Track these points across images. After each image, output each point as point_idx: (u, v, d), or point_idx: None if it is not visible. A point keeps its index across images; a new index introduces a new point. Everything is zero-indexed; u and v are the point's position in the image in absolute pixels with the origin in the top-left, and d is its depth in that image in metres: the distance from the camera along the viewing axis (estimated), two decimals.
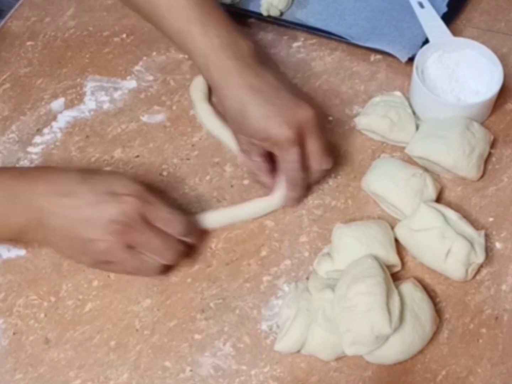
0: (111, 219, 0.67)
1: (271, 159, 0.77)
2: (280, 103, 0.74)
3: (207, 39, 0.76)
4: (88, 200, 0.68)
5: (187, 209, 0.79)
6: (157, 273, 0.73)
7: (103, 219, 0.67)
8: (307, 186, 0.78)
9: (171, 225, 0.70)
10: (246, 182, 0.81)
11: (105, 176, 0.71)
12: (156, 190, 0.80)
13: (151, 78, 0.90)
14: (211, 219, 0.77)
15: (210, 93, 0.87)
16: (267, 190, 0.78)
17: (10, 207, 0.68)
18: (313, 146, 0.74)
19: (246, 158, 0.78)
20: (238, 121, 0.75)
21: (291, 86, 0.84)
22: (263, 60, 0.79)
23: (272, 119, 0.73)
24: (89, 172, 0.71)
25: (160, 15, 0.79)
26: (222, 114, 0.82)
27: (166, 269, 0.73)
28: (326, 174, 0.79)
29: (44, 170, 0.74)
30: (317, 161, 0.75)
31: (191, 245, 0.74)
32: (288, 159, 0.74)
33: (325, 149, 0.75)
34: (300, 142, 0.73)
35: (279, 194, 0.77)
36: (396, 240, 0.74)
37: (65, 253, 0.73)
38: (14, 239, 0.74)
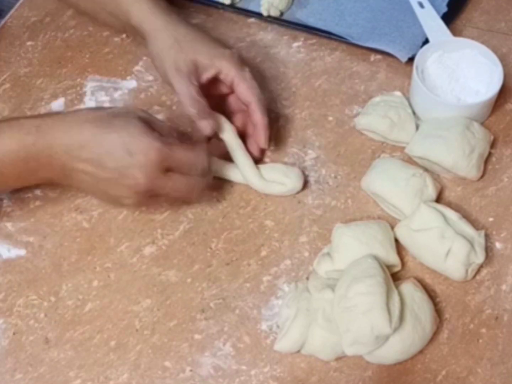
0: (134, 181, 0.69)
1: None
2: (216, 41, 0.80)
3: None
4: (106, 164, 0.69)
5: (187, 209, 0.79)
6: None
7: (126, 181, 0.69)
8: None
9: (193, 168, 0.72)
10: None
11: (120, 132, 0.69)
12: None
13: (151, 78, 0.90)
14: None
15: None
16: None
17: (34, 164, 0.70)
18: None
19: (188, 82, 0.76)
20: (187, 41, 0.77)
21: None
22: None
23: (219, 49, 0.78)
24: (104, 126, 0.70)
25: None
26: (157, 67, 0.80)
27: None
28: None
29: (58, 121, 0.72)
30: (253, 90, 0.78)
31: None
32: (248, 76, 0.77)
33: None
34: None
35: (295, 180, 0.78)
36: (396, 240, 0.74)
37: (98, 199, 0.78)
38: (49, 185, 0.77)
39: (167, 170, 0.70)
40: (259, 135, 0.78)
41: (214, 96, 0.80)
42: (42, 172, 0.71)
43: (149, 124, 0.71)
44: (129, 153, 0.68)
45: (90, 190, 0.74)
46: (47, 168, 0.70)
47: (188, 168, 0.72)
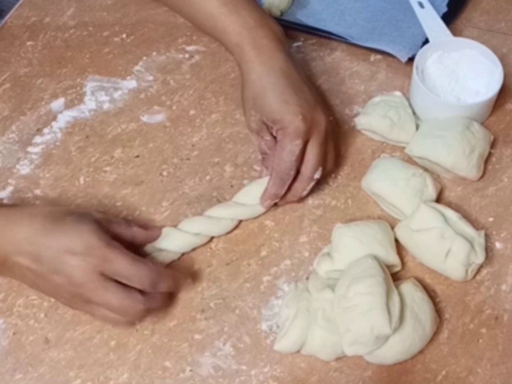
0: (67, 280, 0.66)
1: None
2: (301, 95, 0.75)
3: (241, 19, 0.79)
4: (45, 257, 0.66)
5: (187, 209, 0.79)
6: (126, 326, 0.71)
7: (59, 279, 0.66)
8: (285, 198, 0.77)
9: (134, 280, 0.66)
10: (246, 182, 0.81)
11: (68, 228, 0.67)
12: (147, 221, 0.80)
13: (151, 78, 0.90)
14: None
15: None
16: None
17: None
18: (312, 151, 0.75)
19: (257, 136, 0.78)
20: (257, 97, 0.76)
21: (314, 87, 0.85)
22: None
23: (290, 105, 0.74)
24: (55, 220, 0.68)
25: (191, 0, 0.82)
26: (242, 90, 0.79)
27: (137, 320, 0.71)
28: (308, 194, 0.78)
29: (11, 214, 0.69)
30: (310, 167, 0.75)
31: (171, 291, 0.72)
32: (288, 148, 0.74)
33: (321, 160, 0.75)
34: (305, 139, 0.74)
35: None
36: (396, 240, 0.74)
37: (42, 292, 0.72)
38: None
39: (107, 277, 0.66)
40: (264, 196, 0.76)
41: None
42: None
43: (103, 225, 0.68)
44: (70, 251, 0.65)
45: (28, 283, 0.70)
46: None
47: (127, 279, 0.66)
